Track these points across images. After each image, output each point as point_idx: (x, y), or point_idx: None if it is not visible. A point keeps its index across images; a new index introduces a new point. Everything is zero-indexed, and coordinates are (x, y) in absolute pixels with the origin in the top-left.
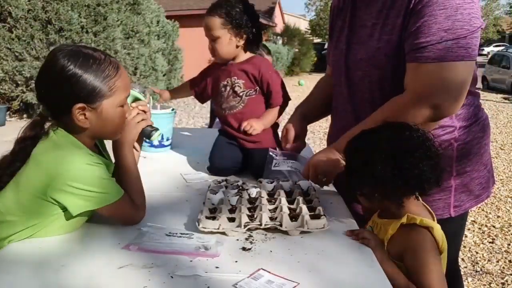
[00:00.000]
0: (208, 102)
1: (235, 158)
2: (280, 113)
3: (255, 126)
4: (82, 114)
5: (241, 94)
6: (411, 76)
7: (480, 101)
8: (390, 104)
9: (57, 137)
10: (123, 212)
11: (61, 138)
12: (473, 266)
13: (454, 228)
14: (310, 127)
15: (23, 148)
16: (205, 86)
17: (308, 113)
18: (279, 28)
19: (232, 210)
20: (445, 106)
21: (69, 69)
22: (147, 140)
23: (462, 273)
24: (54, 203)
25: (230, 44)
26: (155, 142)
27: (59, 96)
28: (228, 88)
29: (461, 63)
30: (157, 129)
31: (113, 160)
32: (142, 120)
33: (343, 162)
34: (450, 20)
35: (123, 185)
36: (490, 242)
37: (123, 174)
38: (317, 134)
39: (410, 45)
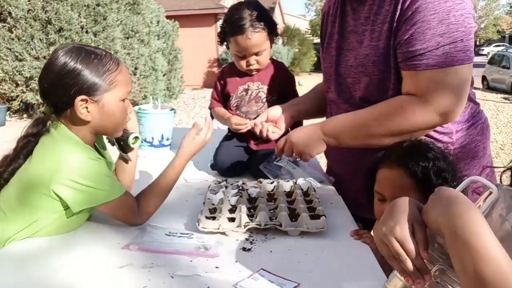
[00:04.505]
0: (207, 103)
1: (241, 158)
2: None
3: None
4: (84, 107)
5: (264, 100)
6: (411, 84)
7: (480, 102)
8: (393, 104)
9: (58, 133)
10: (124, 212)
11: (62, 134)
12: None
13: None
14: None
15: (25, 146)
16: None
17: (302, 110)
18: (279, 28)
19: (232, 210)
20: (453, 112)
21: (71, 63)
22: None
23: None
24: (55, 198)
25: (269, 52)
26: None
27: (62, 90)
28: (250, 92)
29: (461, 66)
30: (130, 134)
31: (113, 161)
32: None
33: (324, 147)
34: (444, 24)
35: (149, 186)
36: None
37: (160, 178)
38: None
39: (405, 53)
